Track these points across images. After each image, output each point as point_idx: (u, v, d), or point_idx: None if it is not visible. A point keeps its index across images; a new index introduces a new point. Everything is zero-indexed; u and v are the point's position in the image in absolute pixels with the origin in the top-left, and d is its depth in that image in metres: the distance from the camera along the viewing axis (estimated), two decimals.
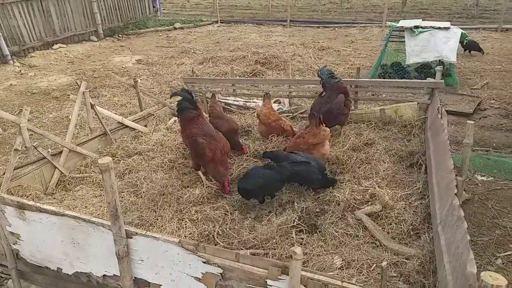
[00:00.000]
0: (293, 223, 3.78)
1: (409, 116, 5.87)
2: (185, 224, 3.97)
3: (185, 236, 3.78)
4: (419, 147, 5.11)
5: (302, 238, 3.67)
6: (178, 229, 3.93)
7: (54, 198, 4.72)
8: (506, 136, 6.78)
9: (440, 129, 4.36)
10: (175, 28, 18.32)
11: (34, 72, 11.56)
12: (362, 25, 17.68)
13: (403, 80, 7.67)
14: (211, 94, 6.13)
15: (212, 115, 5.46)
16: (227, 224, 3.94)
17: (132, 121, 6.17)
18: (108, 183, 2.54)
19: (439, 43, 8.95)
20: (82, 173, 5.06)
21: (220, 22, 19.66)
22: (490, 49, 12.97)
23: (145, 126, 6.36)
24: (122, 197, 4.53)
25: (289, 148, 4.91)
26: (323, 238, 3.70)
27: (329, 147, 4.93)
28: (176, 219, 4.07)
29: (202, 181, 4.74)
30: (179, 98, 4.93)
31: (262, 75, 10.20)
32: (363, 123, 6.02)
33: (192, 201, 4.31)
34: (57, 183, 4.95)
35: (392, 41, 10.21)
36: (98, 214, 4.20)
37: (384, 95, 7.84)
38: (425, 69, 9.63)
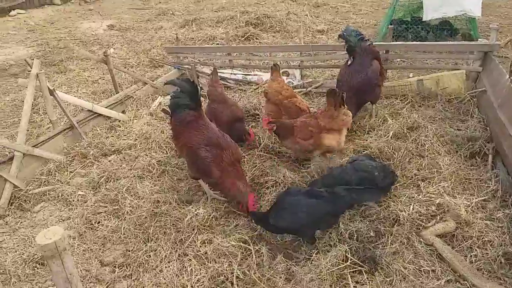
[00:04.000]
0: (347, 261, 2.66)
1: (455, 88, 4.71)
2: (190, 264, 2.83)
3: (191, 286, 2.65)
4: (480, 131, 3.98)
5: (362, 285, 2.57)
6: (180, 271, 2.79)
7: (6, 223, 3.49)
8: None
9: None
10: None
11: None
12: None
13: (448, 42, 6.26)
14: (211, 69, 4.78)
15: (211, 99, 4.15)
16: (249, 261, 2.81)
17: (107, 107, 4.85)
18: (61, 276, 1.35)
19: None
20: (43, 186, 3.81)
21: None
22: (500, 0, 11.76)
23: (123, 112, 5.05)
24: (99, 222, 3.33)
25: (296, 128, 3.70)
26: (388, 280, 2.62)
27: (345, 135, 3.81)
28: (175, 255, 2.93)
29: (204, 191, 3.56)
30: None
31: (257, 38, 8.79)
32: (396, 98, 4.85)
33: (195, 226, 3.14)
34: (10, 200, 3.70)
35: None
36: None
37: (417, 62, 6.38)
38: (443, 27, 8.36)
